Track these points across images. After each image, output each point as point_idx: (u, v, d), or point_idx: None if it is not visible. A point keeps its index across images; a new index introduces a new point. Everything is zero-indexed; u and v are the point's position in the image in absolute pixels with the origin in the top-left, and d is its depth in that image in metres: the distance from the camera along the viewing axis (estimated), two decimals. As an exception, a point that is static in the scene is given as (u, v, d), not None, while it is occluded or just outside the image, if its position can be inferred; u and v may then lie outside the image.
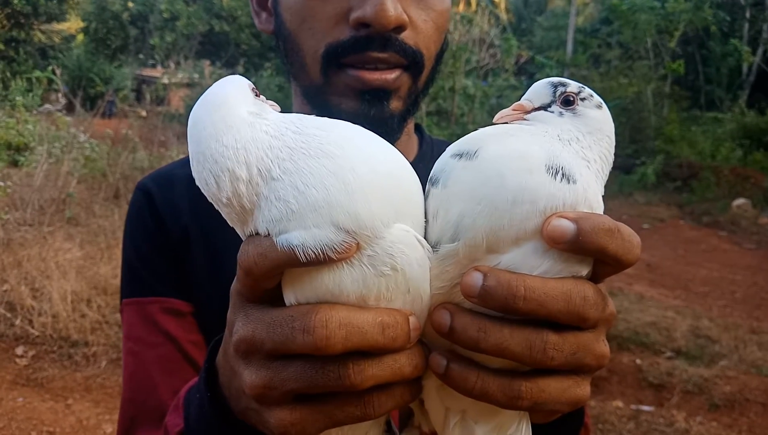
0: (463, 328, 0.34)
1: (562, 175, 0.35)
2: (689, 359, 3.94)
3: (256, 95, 0.39)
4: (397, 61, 0.60)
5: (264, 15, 0.70)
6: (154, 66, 21.59)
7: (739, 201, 9.65)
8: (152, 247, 0.68)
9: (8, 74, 11.77)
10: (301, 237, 0.32)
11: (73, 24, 25.61)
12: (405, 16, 0.58)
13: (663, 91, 13.33)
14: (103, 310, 3.71)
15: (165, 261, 0.67)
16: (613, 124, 0.42)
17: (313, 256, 0.32)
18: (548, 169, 0.34)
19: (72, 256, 4.11)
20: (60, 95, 10.86)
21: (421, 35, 0.61)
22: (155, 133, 7.59)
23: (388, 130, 0.59)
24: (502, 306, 0.33)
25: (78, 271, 3.96)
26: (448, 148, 0.38)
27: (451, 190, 0.35)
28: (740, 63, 17.25)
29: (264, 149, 0.34)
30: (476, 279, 0.33)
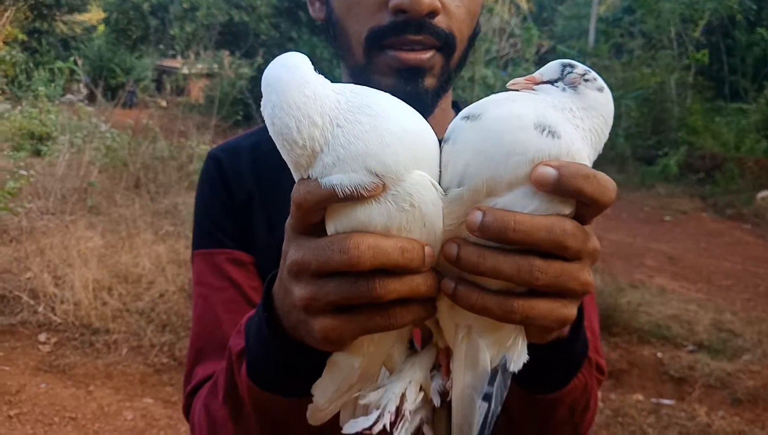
0: (467, 255, 0.42)
1: (549, 132, 0.42)
2: (711, 353, 3.88)
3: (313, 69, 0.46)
4: (431, 42, 0.68)
5: (317, 4, 0.79)
6: (174, 56, 21.73)
7: (764, 193, 9.46)
8: (221, 207, 0.79)
9: (31, 65, 11.91)
10: (340, 178, 0.41)
11: (94, 15, 25.87)
12: (437, 3, 0.66)
13: (686, 81, 13.09)
14: (124, 298, 3.75)
15: (231, 219, 0.79)
16: (612, 108, 0.48)
17: (349, 193, 0.41)
18: (536, 126, 0.42)
19: (93, 244, 4.17)
20: (81, 85, 10.99)
21: (453, 19, 0.68)
22: (175, 124, 7.64)
23: (423, 105, 0.63)
24: (497, 237, 0.41)
25: (99, 259, 4.01)
26: (459, 113, 0.46)
27: (459, 145, 0.44)
28: (766, 53, 16.88)
29: (334, 102, 0.43)
30: (477, 216, 0.41)
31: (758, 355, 3.88)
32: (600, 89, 0.46)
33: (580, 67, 0.47)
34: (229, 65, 12.22)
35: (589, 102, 0.46)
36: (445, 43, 0.69)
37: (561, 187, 0.41)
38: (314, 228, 0.45)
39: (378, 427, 0.47)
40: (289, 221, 0.47)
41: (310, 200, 0.42)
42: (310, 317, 0.45)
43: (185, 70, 16.71)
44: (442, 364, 0.52)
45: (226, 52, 13.51)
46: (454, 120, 0.46)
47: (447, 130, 0.46)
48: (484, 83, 17.94)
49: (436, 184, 0.44)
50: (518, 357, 0.48)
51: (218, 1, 13.32)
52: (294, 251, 0.45)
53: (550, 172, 0.40)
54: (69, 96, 9.16)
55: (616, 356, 3.70)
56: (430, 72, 0.70)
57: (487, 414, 0.47)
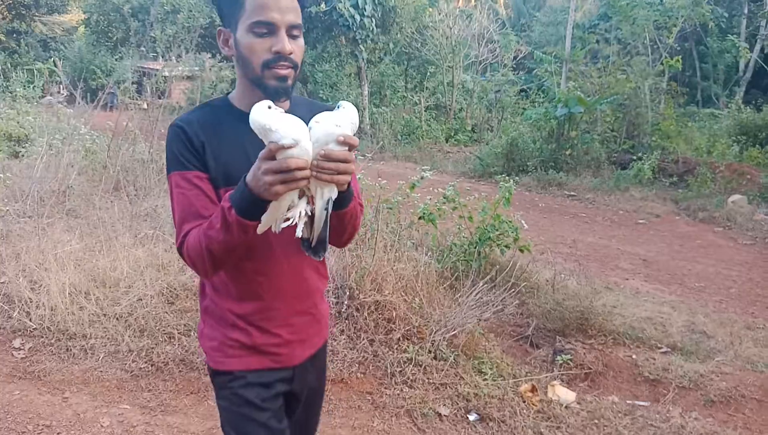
0: (320, 162, 1.16)
1: (338, 126, 1.18)
2: (685, 355, 3.96)
3: (269, 107, 1.20)
4: (289, 65, 1.37)
5: (226, 49, 1.45)
6: (155, 58, 21.47)
7: (735, 197, 9.69)
8: (186, 150, 1.37)
9: (9, 66, 11.69)
10: (284, 141, 1.13)
11: (74, 16, 25.46)
12: (292, 49, 1.36)
13: (660, 87, 13.33)
14: (102, 302, 3.70)
15: (193, 156, 1.37)
16: (354, 112, 1.26)
17: (287, 145, 1.13)
18: (335, 125, 1.18)
19: (71, 248, 4.11)
20: (61, 87, 10.80)
21: (297, 55, 1.38)
22: (156, 126, 7.55)
23: (287, 94, 1.39)
24: (329, 157, 1.17)
25: (77, 263, 3.96)
26: (314, 118, 1.20)
27: (313, 130, 1.18)
28: (737, 59, 17.27)
29: (274, 115, 1.18)
30: (323, 152, 1.16)
31: (730, 356, 3.97)
32: (346, 107, 1.24)
33: (343, 103, 1.26)
34: (210, 68, 12.13)
35: (347, 112, 1.22)
36: (295, 65, 1.39)
37: (346, 142, 1.17)
38: (272, 157, 1.15)
39: (293, 223, 1.23)
40: (262, 154, 1.15)
41: (273, 149, 1.14)
42: (269, 186, 1.15)
43: (166, 73, 16.54)
44: (311, 202, 1.24)
45: (207, 55, 13.39)
46: (312, 121, 1.19)
47: (310, 123, 1.19)
48: (463, 87, 18.10)
49: (309, 142, 1.16)
50: (334, 195, 1.24)
51: (199, 4, 13.22)
52: (265, 165, 1.14)
53: (342, 137, 1.17)
54: (48, 97, 9.01)
55: (591, 358, 3.76)
56: (289, 78, 1.39)
57: (327, 217, 1.25)
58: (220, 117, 1.41)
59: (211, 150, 1.36)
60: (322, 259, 1.39)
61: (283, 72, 1.35)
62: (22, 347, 3.45)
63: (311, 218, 1.25)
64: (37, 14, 17.56)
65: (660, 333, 4.31)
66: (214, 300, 1.49)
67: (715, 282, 6.24)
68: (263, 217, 1.21)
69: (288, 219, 1.23)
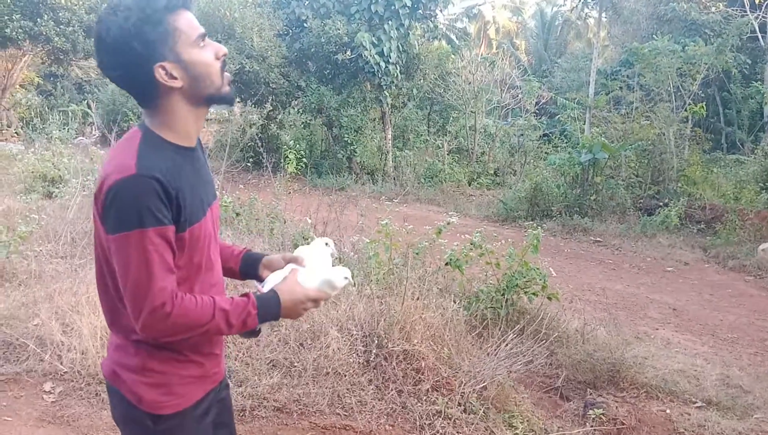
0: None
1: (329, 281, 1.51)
2: (721, 410, 3.83)
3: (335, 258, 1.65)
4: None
5: (174, 81, 1.31)
6: (184, 102, 22.06)
7: (765, 245, 9.49)
8: (162, 203, 1.25)
9: (47, 108, 12.12)
10: (335, 293, 1.54)
11: (106, 60, 26.39)
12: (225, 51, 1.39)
13: (684, 133, 13.30)
14: (131, 345, 3.72)
15: (168, 208, 1.26)
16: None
17: (325, 296, 1.51)
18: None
19: (102, 290, 4.17)
20: (94, 127, 11.16)
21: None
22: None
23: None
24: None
25: (108, 306, 4.01)
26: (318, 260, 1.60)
27: (309, 280, 1.49)
28: (762, 105, 17.20)
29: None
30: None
31: (769, 413, 3.83)
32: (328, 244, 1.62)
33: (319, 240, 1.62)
34: (240, 112, 12.46)
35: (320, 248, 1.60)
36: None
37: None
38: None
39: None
40: (317, 297, 1.46)
41: (327, 298, 1.53)
42: (303, 313, 1.45)
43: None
44: None
45: (237, 100, 13.79)
46: (301, 277, 1.48)
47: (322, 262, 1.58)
48: (485, 131, 18.24)
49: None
50: None
51: (231, 50, 13.65)
52: (312, 304, 1.45)
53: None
54: (81, 138, 9.30)
55: (624, 412, 3.65)
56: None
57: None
58: (173, 158, 1.32)
59: (182, 196, 1.29)
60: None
61: (227, 74, 1.39)
62: (53, 391, 3.47)
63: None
64: (74, 59, 18.28)
65: (694, 387, 4.18)
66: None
67: (748, 333, 6.07)
68: (263, 327, 1.46)
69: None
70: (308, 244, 1.65)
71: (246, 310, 1.33)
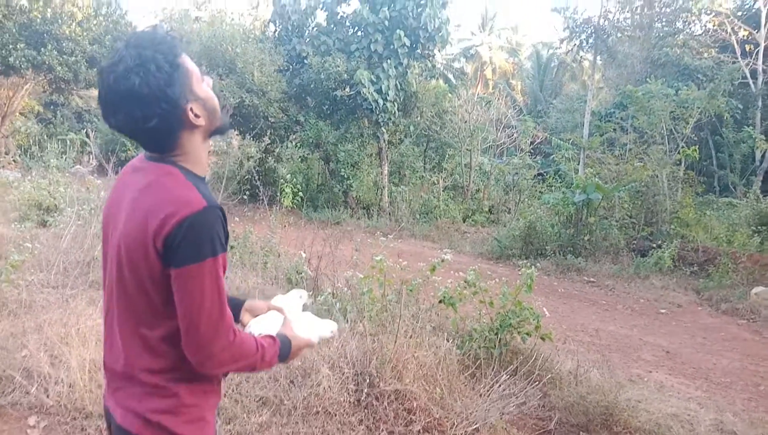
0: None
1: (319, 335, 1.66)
2: (716, 457, 3.79)
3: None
4: None
5: (199, 119, 1.36)
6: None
7: (759, 289, 9.50)
8: (224, 231, 1.31)
9: (45, 136, 12.20)
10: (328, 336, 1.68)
11: (107, 90, 26.66)
12: None
13: (677, 175, 13.46)
14: (119, 379, 3.67)
15: (226, 236, 1.33)
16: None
17: (314, 343, 1.61)
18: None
19: (93, 322, 4.13)
20: (91, 157, 11.21)
21: None
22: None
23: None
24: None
25: (98, 338, 3.97)
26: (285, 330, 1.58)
27: (298, 329, 1.60)
28: (753, 150, 17.49)
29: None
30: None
31: (763, 461, 3.79)
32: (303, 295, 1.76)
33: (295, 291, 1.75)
34: (239, 146, 12.59)
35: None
36: None
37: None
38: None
39: None
40: (313, 344, 1.59)
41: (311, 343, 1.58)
42: (300, 355, 1.55)
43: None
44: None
45: (236, 132, 13.95)
46: (289, 327, 1.56)
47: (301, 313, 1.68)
48: (480, 169, 18.42)
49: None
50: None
51: (231, 84, 13.84)
52: (306, 350, 1.59)
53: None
54: (77, 166, 9.33)
55: (617, 457, 3.61)
56: None
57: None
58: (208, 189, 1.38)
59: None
60: None
61: None
62: (37, 426, 3.40)
63: None
64: (75, 88, 18.48)
65: (687, 432, 4.13)
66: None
67: (742, 378, 6.04)
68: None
69: None
70: (284, 293, 1.77)
71: (274, 350, 1.40)
